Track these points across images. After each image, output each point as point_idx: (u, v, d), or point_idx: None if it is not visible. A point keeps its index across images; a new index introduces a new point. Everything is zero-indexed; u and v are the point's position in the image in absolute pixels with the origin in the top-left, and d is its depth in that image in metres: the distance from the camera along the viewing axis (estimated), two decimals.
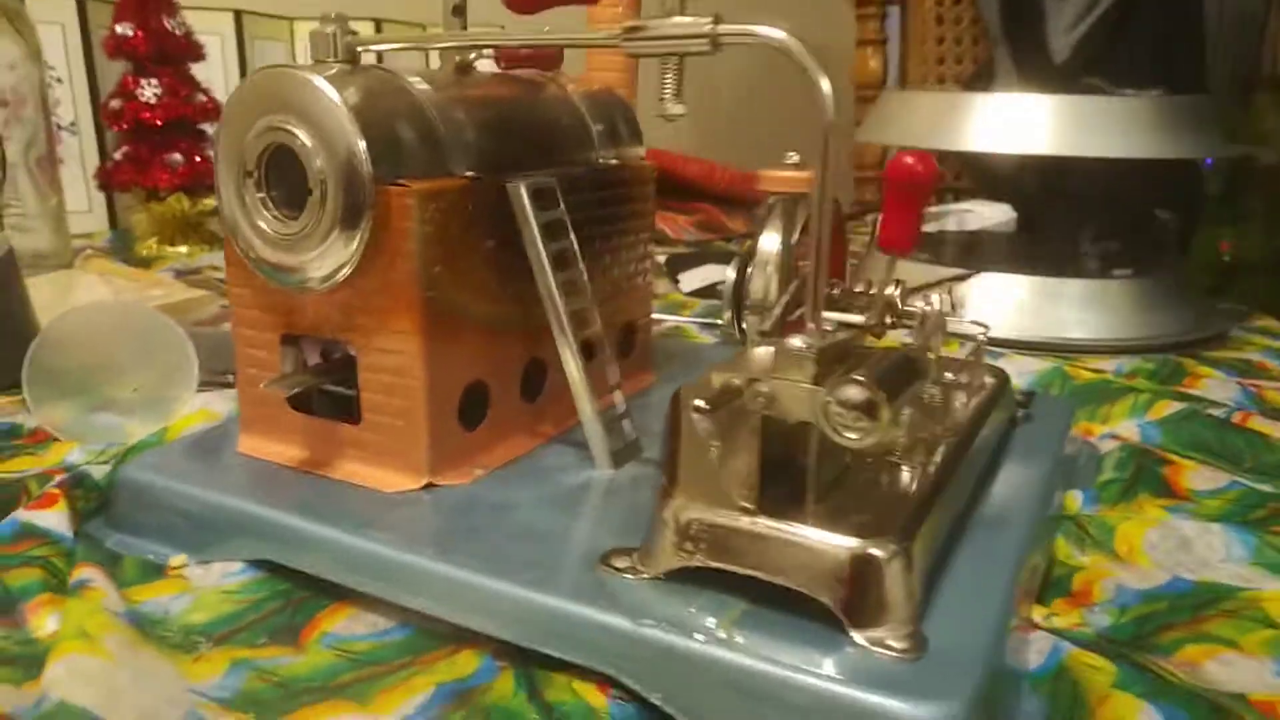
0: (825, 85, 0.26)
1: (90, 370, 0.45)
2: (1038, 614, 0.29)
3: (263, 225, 0.33)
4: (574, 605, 0.26)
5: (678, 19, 0.28)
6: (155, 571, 0.32)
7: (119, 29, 0.85)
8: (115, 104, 0.86)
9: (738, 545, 0.26)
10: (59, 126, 0.97)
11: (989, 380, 0.40)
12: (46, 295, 0.67)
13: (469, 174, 0.34)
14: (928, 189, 0.31)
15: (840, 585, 0.25)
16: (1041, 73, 1.13)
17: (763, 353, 0.27)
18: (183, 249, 0.88)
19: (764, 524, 0.26)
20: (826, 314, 0.29)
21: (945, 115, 0.67)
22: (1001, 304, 0.63)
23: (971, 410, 0.36)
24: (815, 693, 0.23)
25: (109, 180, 0.88)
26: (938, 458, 0.31)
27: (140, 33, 0.85)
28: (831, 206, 0.27)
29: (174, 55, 0.87)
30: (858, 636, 0.24)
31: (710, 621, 0.25)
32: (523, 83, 0.39)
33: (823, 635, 0.25)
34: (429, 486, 0.33)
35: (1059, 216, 0.95)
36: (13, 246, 0.50)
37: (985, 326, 0.41)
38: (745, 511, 0.26)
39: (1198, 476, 0.41)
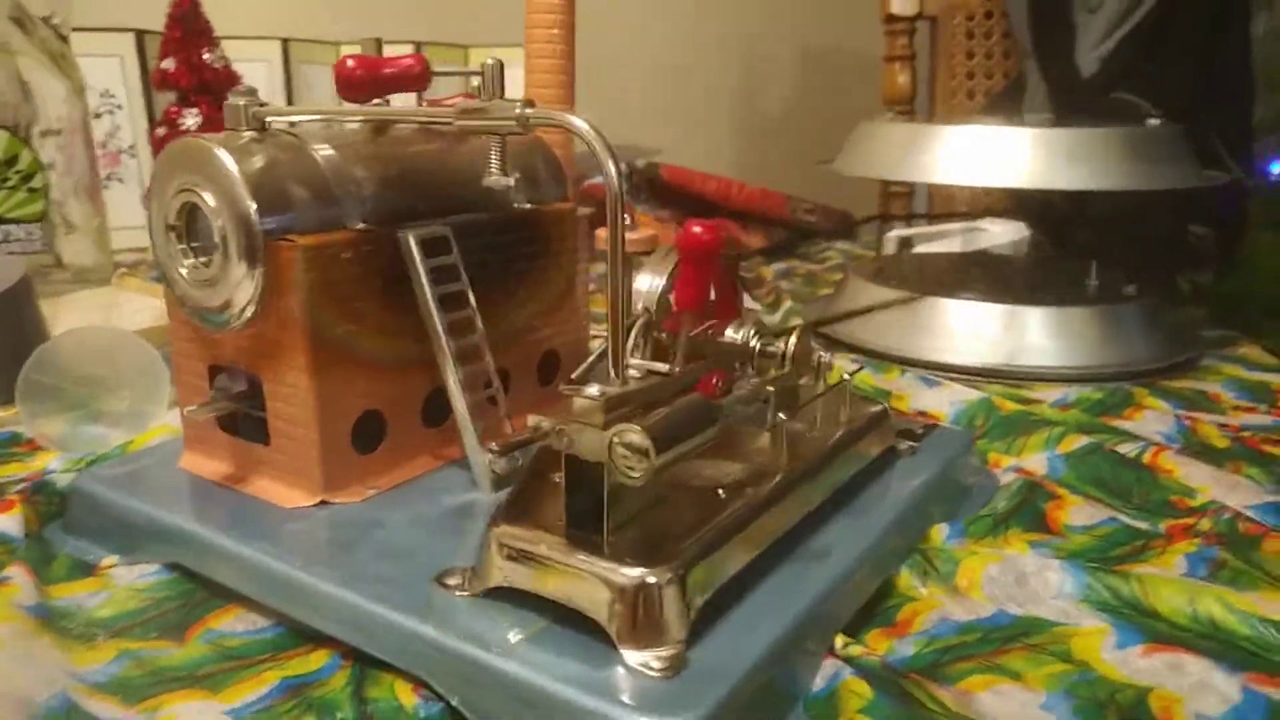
0: (611, 168, 0.29)
1: (80, 387, 0.51)
2: (841, 642, 0.32)
3: (184, 271, 0.37)
4: (398, 616, 0.30)
5: (497, 103, 0.31)
6: (85, 570, 0.37)
7: (163, 64, 0.93)
8: (160, 131, 0.94)
9: (540, 569, 0.30)
10: (119, 150, 1.06)
11: (866, 414, 0.42)
12: (88, 306, 0.74)
13: (360, 227, 0.38)
14: (714, 255, 0.34)
15: (614, 609, 0.28)
16: (1070, 88, 1.12)
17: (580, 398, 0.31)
18: None
19: (559, 551, 0.29)
20: (640, 362, 0.32)
21: (912, 147, 0.68)
22: (962, 331, 0.64)
23: (825, 445, 0.38)
24: (569, 703, 0.26)
25: None
26: (762, 490, 0.34)
27: (182, 67, 0.93)
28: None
29: (213, 86, 0.94)
30: (626, 656, 0.28)
31: (509, 636, 0.29)
32: (437, 138, 0.43)
33: (600, 654, 0.28)
34: (323, 504, 0.37)
35: (1078, 236, 0.95)
36: (27, 272, 0.57)
37: (859, 365, 0.43)
38: (548, 539, 0.30)
39: (1079, 512, 0.43)
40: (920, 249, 0.97)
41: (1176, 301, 0.81)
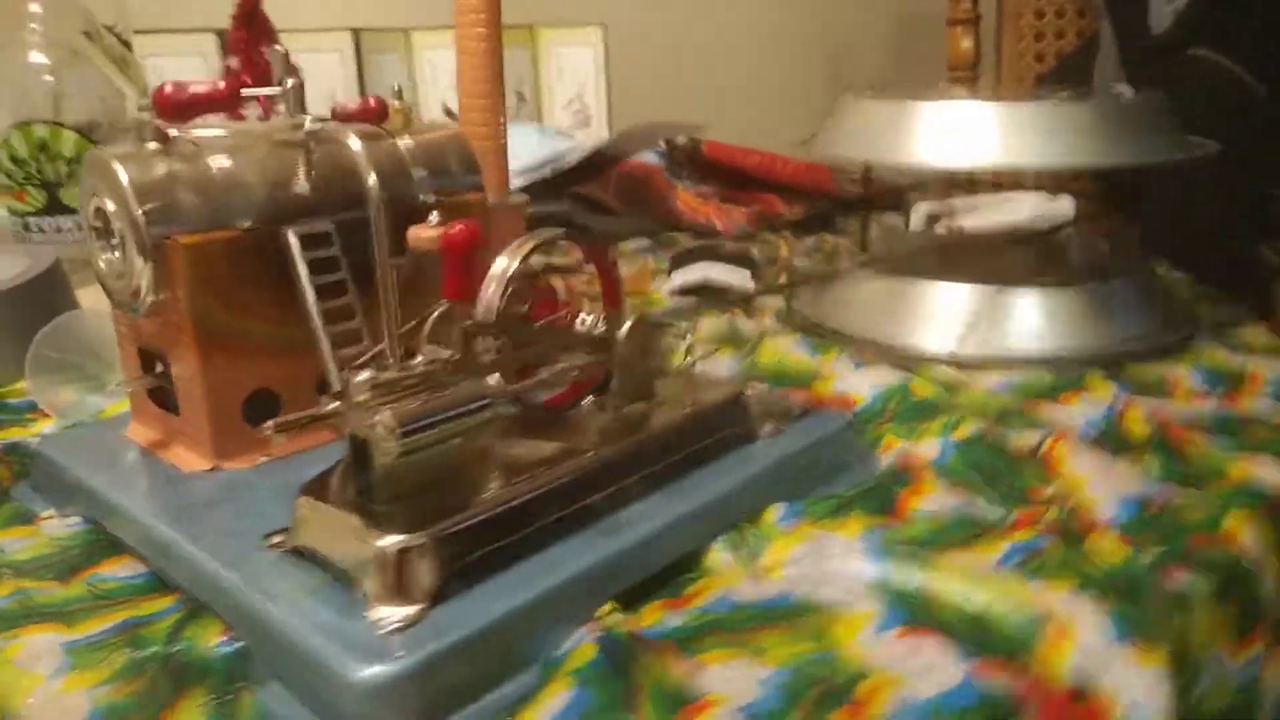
0: (372, 180, 0.32)
1: (88, 361, 0.59)
2: (607, 609, 0.34)
3: (103, 265, 0.43)
4: (213, 565, 0.35)
5: (301, 119, 0.35)
6: (25, 519, 0.44)
7: (228, 61, 1.02)
8: None
9: (322, 531, 0.34)
10: None
11: (719, 397, 0.44)
12: None
13: (245, 226, 0.43)
14: (473, 251, 0.36)
15: (368, 570, 0.32)
16: (1142, 46, 1.06)
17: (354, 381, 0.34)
18: None
19: (334, 513, 0.33)
20: (432, 348, 0.36)
21: (891, 126, 0.67)
22: (938, 316, 0.64)
23: (651, 427, 0.40)
24: (303, 648, 0.30)
25: None
26: (556, 469, 0.36)
27: (245, 64, 1.02)
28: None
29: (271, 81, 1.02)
30: (372, 613, 0.31)
31: (288, 587, 0.33)
32: (335, 140, 0.47)
33: (356, 610, 0.32)
34: (216, 469, 0.43)
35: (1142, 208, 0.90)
36: (58, 259, 0.66)
37: (714, 347, 0.44)
38: (330, 506, 0.34)
39: (933, 499, 0.43)
40: (949, 224, 0.95)
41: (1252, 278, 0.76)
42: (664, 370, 0.43)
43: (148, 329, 0.44)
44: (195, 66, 1.13)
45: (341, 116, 0.49)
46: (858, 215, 1.14)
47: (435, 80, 1.39)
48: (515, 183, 1.10)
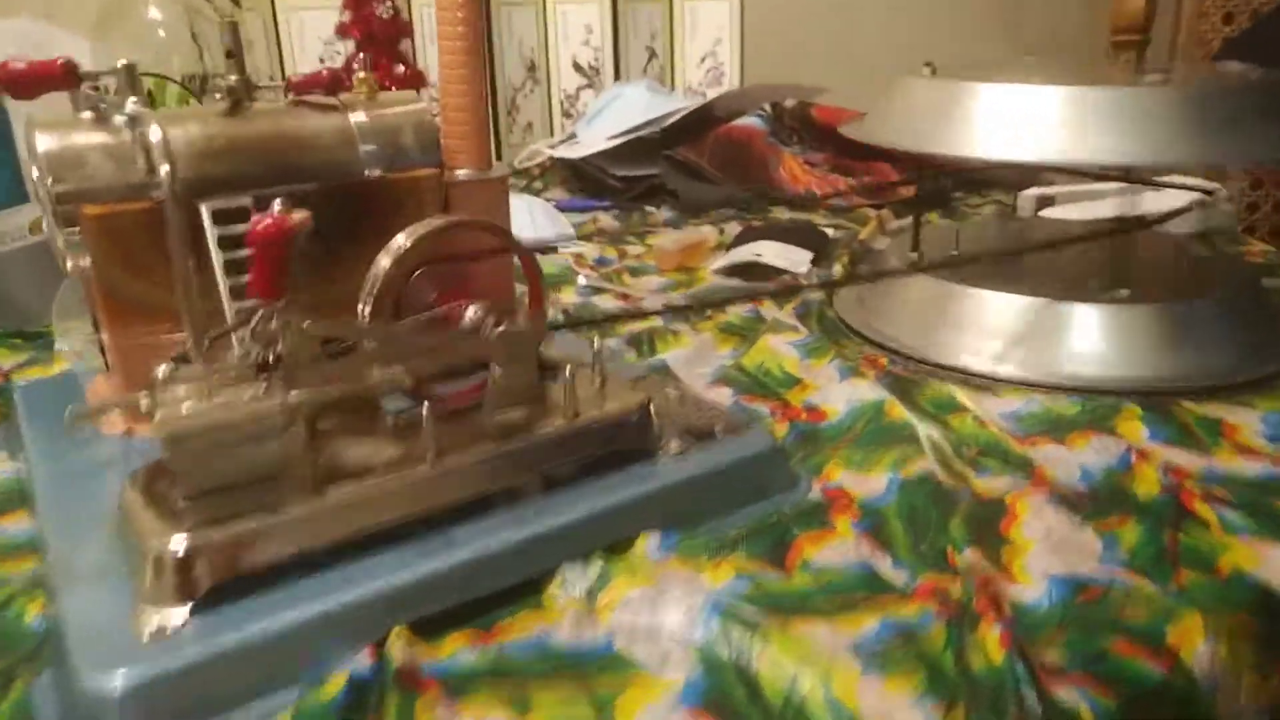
0: (165, 170, 0.31)
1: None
2: (395, 635, 0.32)
3: (45, 228, 0.45)
4: (53, 535, 0.36)
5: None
6: None
7: (341, 17, 1.05)
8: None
9: (133, 519, 0.34)
10: None
11: (607, 410, 0.40)
12: None
13: (156, 197, 0.43)
14: (283, 246, 0.33)
15: (139, 567, 0.31)
16: None
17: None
18: None
19: (139, 503, 0.33)
20: (250, 345, 0.34)
21: (943, 111, 0.58)
22: (984, 329, 0.56)
23: (505, 437, 0.37)
24: (63, 639, 0.30)
25: None
26: (372, 479, 0.35)
27: (355, 18, 1.04)
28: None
29: (379, 37, 1.04)
30: (136, 613, 0.31)
31: (96, 570, 0.33)
32: (281, 114, 0.47)
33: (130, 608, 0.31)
34: (129, 433, 0.44)
35: None
36: None
37: (605, 358, 0.41)
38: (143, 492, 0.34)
39: (836, 550, 0.38)
40: (1059, 211, 0.84)
41: None
42: (535, 377, 0.40)
43: (90, 293, 0.46)
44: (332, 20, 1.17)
45: (296, 88, 0.48)
46: (985, 192, 1.04)
47: (694, 34, 1.38)
48: (612, 144, 1.07)
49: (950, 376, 0.53)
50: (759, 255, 0.76)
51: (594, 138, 1.12)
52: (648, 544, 0.38)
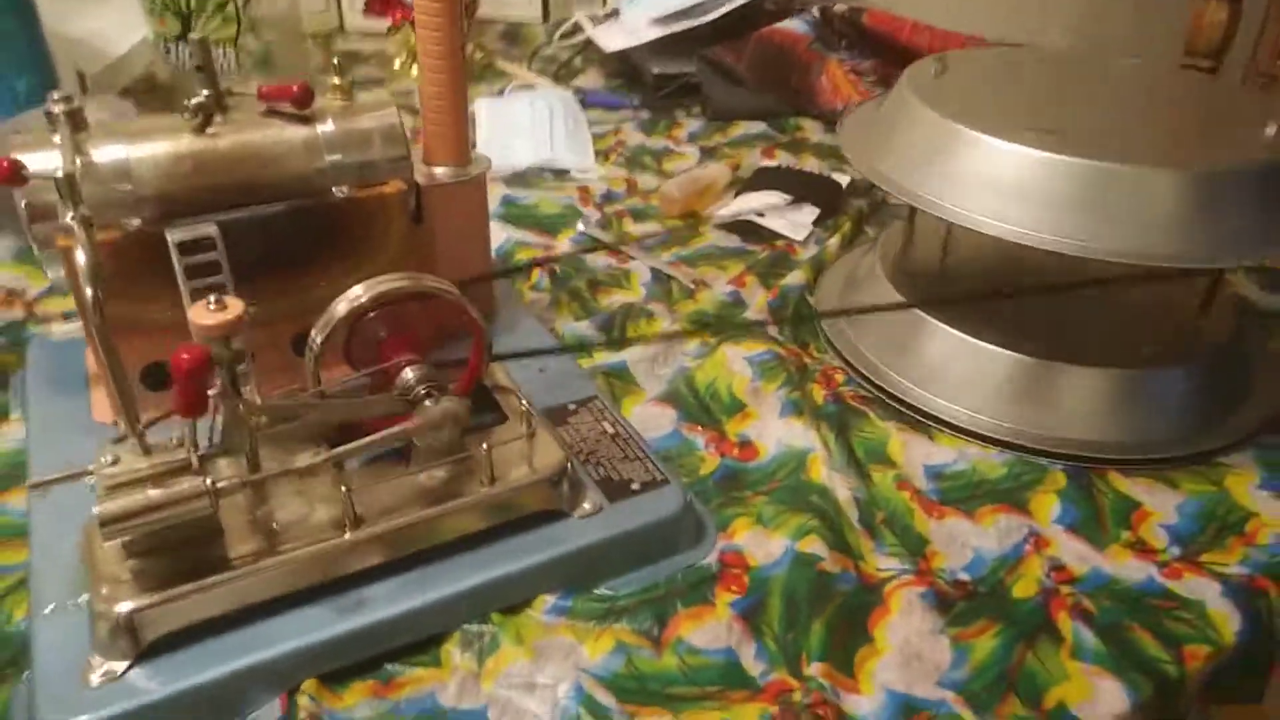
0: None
1: None
2: (305, 686, 0.38)
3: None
4: (44, 543, 0.42)
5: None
6: None
7: None
8: None
9: (89, 560, 0.39)
10: None
11: (535, 474, 0.44)
12: None
13: (135, 225, 0.46)
14: (200, 376, 0.36)
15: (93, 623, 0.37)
16: None
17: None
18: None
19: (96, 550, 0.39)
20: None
21: (937, 151, 0.54)
22: (957, 372, 0.55)
23: (425, 503, 0.42)
24: (36, 662, 0.37)
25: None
26: (296, 541, 0.39)
27: None
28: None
29: None
30: (88, 661, 0.37)
31: (71, 592, 0.40)
32: (249, 129, 0.48)
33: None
34: (117, 423, 0.49)
35: None
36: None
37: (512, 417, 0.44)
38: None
39: (710, 631, 0.42)
40: None
41: None
42: (458, 442, 0.43)
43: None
44: None
45: (267, 98, 0.49)
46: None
47: None
48: (645, 36, 1.03)
49: (896, 412, 0.55)
50: (760, 216, 0.76)
51: (636, 19, 1.08)
52: (545, 605, 0.42)
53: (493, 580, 0.42)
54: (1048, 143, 0.51)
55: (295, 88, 0.49)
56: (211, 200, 0.47)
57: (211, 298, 0.38)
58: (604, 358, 0.59)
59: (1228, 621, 0.43)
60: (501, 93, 1.02)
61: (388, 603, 0.40)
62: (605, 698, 0.39)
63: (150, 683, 0.36)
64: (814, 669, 0.40)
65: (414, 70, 1.06)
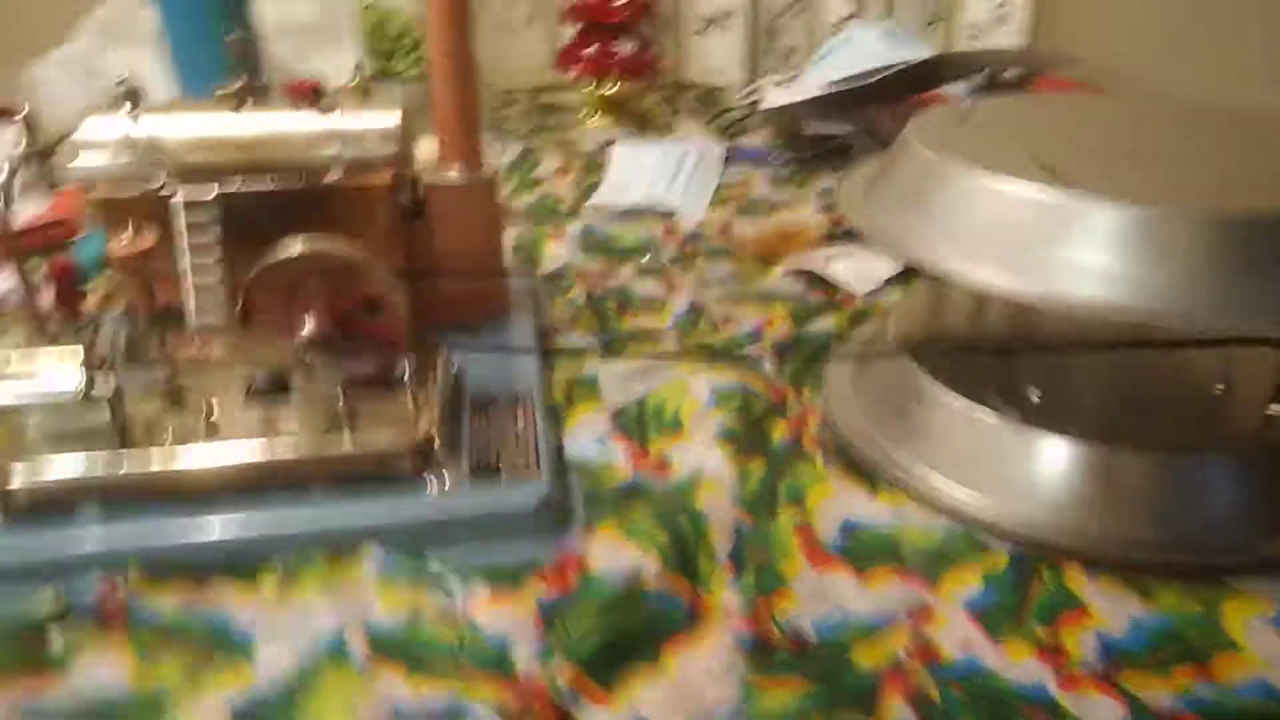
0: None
1: None
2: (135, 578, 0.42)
3: None
4: None
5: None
6: None
7: None
8: None
9: None
10: None
11: (376, 447, 0.45)
12: None
13: (153, 187, 0.54)
14: (69, 279, 0.41)
15: None
16: None
17: None
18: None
19: None
20: None
21: (924, 210, 0.47)
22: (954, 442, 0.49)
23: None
24: None
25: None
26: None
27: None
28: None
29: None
30: None
31: None
32: (269, 118, 0.55)
33: None
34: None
35: None
36: None
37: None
38: None
39: (497, 618, 0.41)
40: None
41: None
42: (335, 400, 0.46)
43: None
44: None
45: (288, 93, 0.57)
46: None
47: None
48: (804, 94, 1.03)
49: (853, 463, 0.50)
50: (828, 267, 0.72)
51: (811, 81, 1.08)
52: (369, 559, 0.44)
53: (327, 527, 0.44)
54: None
55: (308, 84, 0.56)
56: (228, 174, 0.55)
57: (127, 232, 0.45)
58: (585, 369, 0.59)
59: None
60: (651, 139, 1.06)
61: (228, 525, 0.44)
62: (359, 646, 0.39)
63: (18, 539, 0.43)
64: (564, 670, 0.37)
65: (592, 120, 1.13)
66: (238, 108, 0.55)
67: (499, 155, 1.02)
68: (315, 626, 0.40)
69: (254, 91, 0.56)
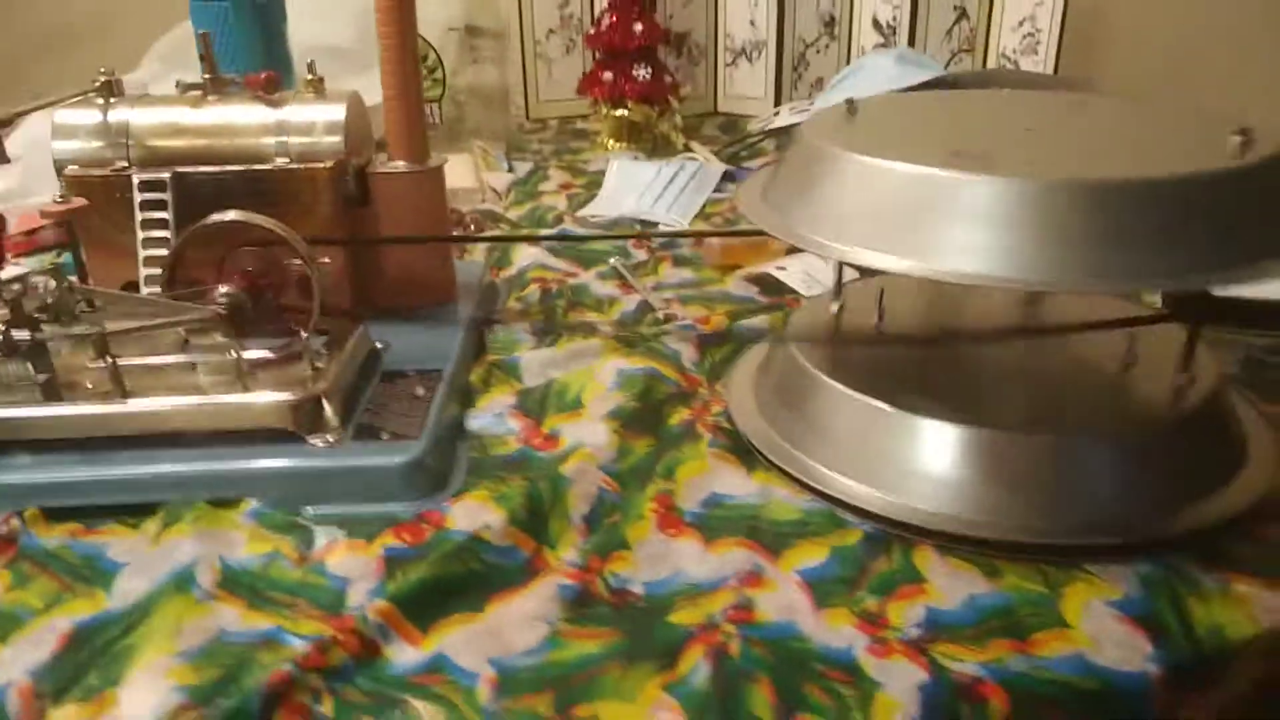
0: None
1: None
2: (29, 514, 0.46)
3: None
4: None
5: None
6: None
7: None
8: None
9: None
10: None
11: (280, 393, 0.48)
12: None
13: (119, 168, 0.59)
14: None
15: None
16: None
17: None
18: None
19: None
20: None
21: (818, 191, 0.48)
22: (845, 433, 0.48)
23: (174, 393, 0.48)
24: None
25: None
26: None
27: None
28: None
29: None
30: None
31: None
32: (227, 109, 0.60)
33: None
34: None
35: None
36: None
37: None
38: None
39: (342, 565, 0.42)
40: None
41: None
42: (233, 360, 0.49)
43: None
44: None
45: (248, 85, 0.61)
46: None
47: None
48: (799, 119, 1.03)
49: (739, 445, 0.50)
50: (781, 269, 0.73)
51: (822, 106, 1.08)
52: (246, 508, 0.46)
53: (209, 473, 0.47)
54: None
55: (264, 77, 0.60)
56: (187, 159, 0.60)
57: (56, 194, 0.49)
58: (512, 356, 0.61)
59: (890, 715, 0.34)
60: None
61: (117, 465, 0.47)
62: (209, 580, 0.41)
63: None
64: (376, 607, 0.39)
65: (609, 144, 1.17)
66: (197, 101, 0.60)
67: (508, 173, 1.06)
68: (174, 562, 0.42)
69: (217, 85, 0.61)
